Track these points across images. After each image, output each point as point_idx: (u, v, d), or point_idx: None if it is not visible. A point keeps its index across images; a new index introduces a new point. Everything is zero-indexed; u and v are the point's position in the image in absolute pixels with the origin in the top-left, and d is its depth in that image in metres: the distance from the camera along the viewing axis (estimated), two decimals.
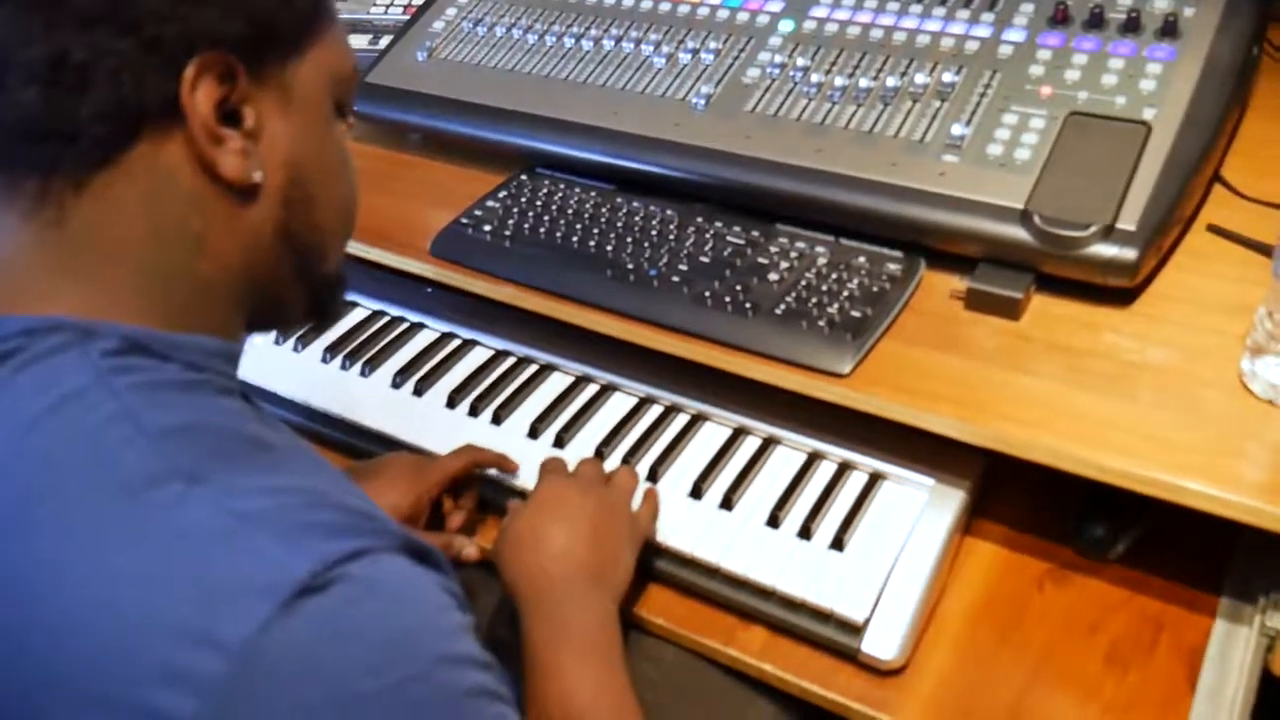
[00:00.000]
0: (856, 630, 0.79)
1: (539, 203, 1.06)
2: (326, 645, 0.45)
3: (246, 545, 0.46)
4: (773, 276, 0.92)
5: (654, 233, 1.00)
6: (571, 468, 0.88)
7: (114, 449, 0.48)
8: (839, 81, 1.01)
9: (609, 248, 0.99)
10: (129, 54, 0.51)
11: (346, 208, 0.65)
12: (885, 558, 0.83)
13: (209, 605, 0.44)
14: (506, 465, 0.94)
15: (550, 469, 0.87)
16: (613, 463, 0.94)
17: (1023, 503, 0.90)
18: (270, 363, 1.09)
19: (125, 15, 0.51)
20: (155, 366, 0.52)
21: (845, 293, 0.89)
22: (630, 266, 0.96)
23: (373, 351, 1.10)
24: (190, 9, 0.52)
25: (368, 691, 0.45)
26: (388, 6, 1.45)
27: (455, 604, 0.52)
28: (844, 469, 0.91)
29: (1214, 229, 0.90)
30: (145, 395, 0.50)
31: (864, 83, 0.99)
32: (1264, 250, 0.87)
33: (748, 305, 0.89)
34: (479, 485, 0.95)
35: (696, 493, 0.90)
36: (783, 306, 0.89)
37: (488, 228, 1.04)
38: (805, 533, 0.85)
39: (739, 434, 0.96)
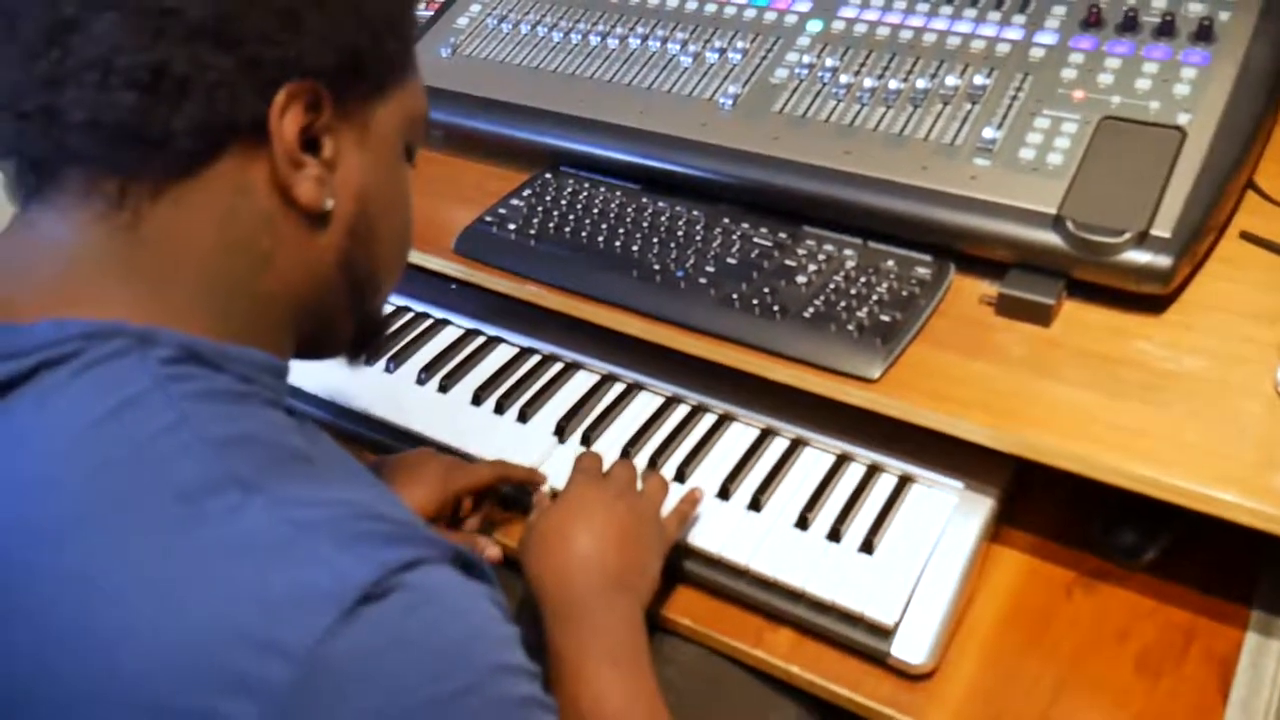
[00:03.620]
0: (886, 634, 0.79)
1: (564, 202, 1.06)
2: (387, 653, 0.45)
3: (306, 553, 0.47)
4: (800, 279, 0.92)
5: (680, 233, 1.00)
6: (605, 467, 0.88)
7: (171, 456, 0.48)
8: (868, 83, 1.00)
9: (635, 248, 0.99)
10: (228, 71, 0.52)
11: (403, 245, 0.68)
12: (915, 561, 0.83)
13: (272, 612, 0.45)
14: (535, 479, 0.94)
15: (583, 468, 0.87)
16: (640, 462, 0.94)
17: (1051, 509, 0.90)
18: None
19: (230, 34, 0.52)
20: (209, 376, 0.53)
21: (874, 296, 0.89)
22: (656, 267, 0.96)
23: (397, 348, 1.10)
24: (291, 36, 0.54)
25: (427, 699, 0.46)
26: None
27: (502, 615, 0.52)
28: (873, 471, 0.91)
29: (1247, 236, 0.90)
30: (201, 404, 0.51)
31: (893, 84, 0.99)
32: None
33: (775, 308, 0.89)
34: (496, 499, 0.95)
35: (724, 493, 0.90)
36: (811, 309, 0.89)
37: (512, 226, 1.04)
38: (834, 535, 0.85)
39: (767, 435, 0.96)
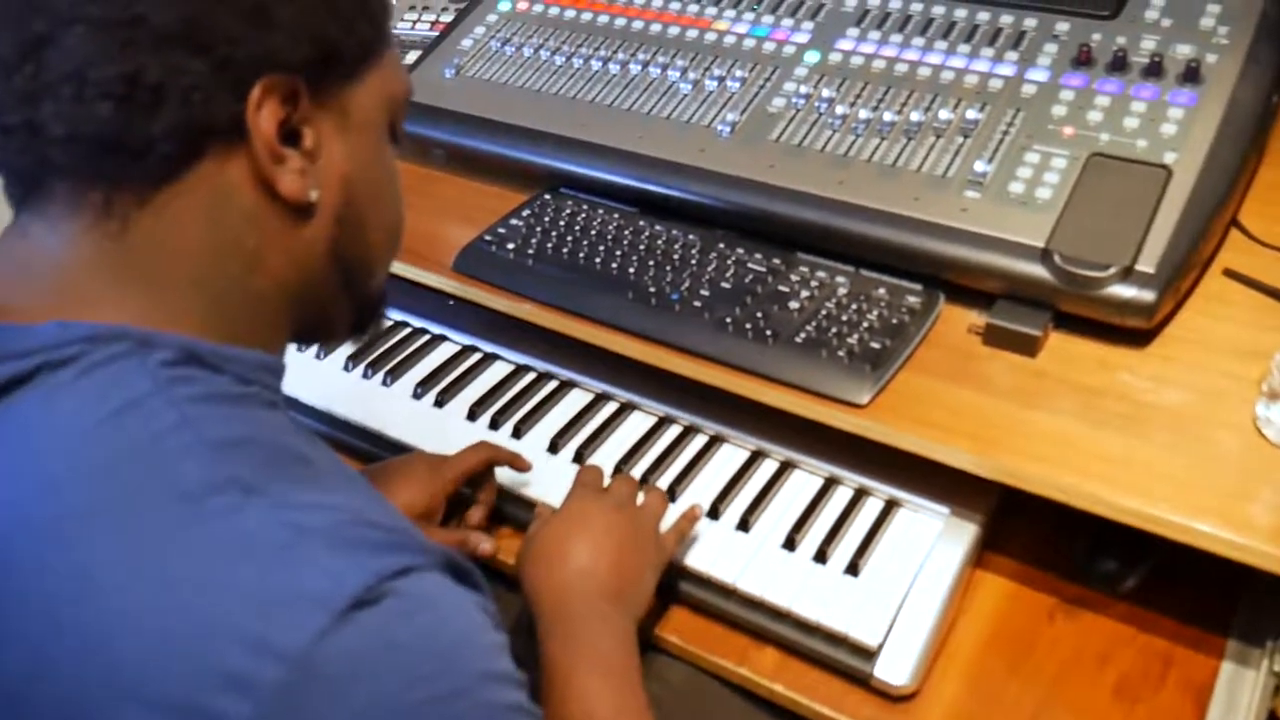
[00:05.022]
0: (869, 655, 0.81)
1: (562, 223, 1.08)
2: (378, 656, 0.47)
3: (302, 557, 0.48)
4: (793, 305, 0.94)
5: (676, 257, 1.01)
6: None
7: (174, 457, 0.49)
8: (863, 114, 1.02)
9: (631, 270, 1.00)
10: (200, 74, 0.53)
11: (395, 227, 0.68)
12: (899, 584, 0.84)
13: (268, 613, 0.46)
14: (520, 464, 0.95)
15: (584, 481, 0.88)
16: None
17: (1034, 535, 0.91)
18: (293, 370, 1.08)
19: (199, 37, 0.52)
20: (209, 378, 0.54)
21: (865, 324, 0.91)
22: (652, 289, 0.98)
23: (395, 362, 1.11)
24: (260, 33, 0.54)
25: (415, 703, 0.47)
26: (415, 22, 1.47)
27: (492, 622, 0.54)
28: (860, 495, 0.93)
29: (1230, 273, 0.92)
30: (202, 406, 0.52)
31: (888, 116, 1.01)
32: (1279, 296, 0.89)
33: (768, 332, 0.91)
34: (494, 481, 0.96)
35: (714, 513, 0.92)
36: (803, 335, 0.90)
37: (511, 246, 1.06)
38: (821, 556, 0.87)
39: (757, 456, 0.97)
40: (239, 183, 0.56)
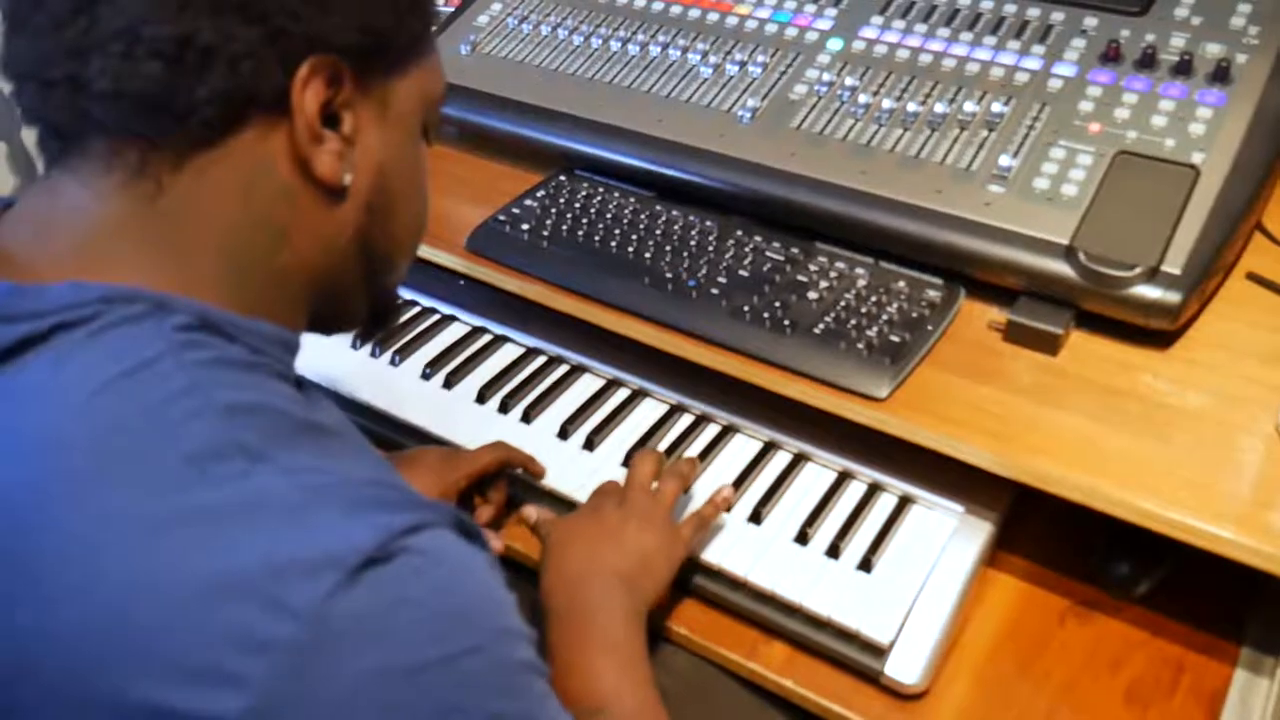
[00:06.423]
0: (880, 652, 0.80)
1: (577, 205, 1.07)
2: (392, 613, 0.46)
3: (313, 517, 0.48)
4: (812, 295, 0.93)
5: (693, 243, 1.00)
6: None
7: (181, 420, 0.49)
8: (886, 104, 1.01)
9: (647, 255, 0.99)
10: (252, 43, 0.52)
11: (419, 223, 0.68)
12: (912, 582, 0.83)
13: (279, 573, 0.45)
14: (534, 468, 0.95)
15: (601, 491, 0.89)
16: None
17: (1047, 536, 0.91)
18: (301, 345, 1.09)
19: (256, 7, 0.52)
20: (222, 345, 0.53)
21: (884, 316, 0.90)
22: (668, 275, 0.96)
23: (403, 341, 1.10)
24: (315, 11, 0.54)
25: (430, 659, 0.47)
26: None
27: (502, 580, 0.53)
28: (874, 490, 0.92)
29: (1253, 277, 0.91)
30: (213, 371, 0.51)
31: (912, 107, 1.00)
32: None
33: (786, 322, 0.90)
34: (507, 481, 0.95)
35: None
36: (821, 326, 0.89)
37: (525, 226, 1.04)
38: (834, 551, 0.86)
39: (770, 448, 0.96)
40: (276, 158, 0.56)
